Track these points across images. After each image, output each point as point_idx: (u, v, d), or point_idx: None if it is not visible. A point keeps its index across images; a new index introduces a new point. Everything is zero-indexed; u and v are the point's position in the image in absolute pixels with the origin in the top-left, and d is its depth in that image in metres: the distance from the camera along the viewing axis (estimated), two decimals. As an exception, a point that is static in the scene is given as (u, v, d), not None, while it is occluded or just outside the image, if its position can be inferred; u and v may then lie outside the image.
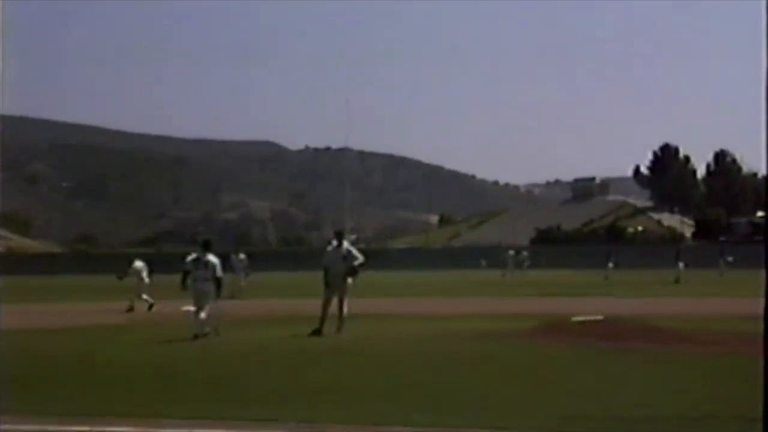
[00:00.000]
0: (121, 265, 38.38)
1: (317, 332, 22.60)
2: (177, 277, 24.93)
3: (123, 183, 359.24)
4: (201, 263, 24.00)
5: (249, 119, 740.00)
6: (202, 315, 23.39)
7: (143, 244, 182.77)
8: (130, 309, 34.48)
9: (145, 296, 35.44)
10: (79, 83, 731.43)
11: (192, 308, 25.62)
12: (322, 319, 23.16)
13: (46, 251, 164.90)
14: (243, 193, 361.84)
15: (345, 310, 23.58)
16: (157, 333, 24.77)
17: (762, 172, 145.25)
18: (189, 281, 24.42)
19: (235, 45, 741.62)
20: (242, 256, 47.80)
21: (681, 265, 62.96)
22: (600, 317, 25.61)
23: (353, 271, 23.97)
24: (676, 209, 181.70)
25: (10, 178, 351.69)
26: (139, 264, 37.04)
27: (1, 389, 14.68)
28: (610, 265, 69.18)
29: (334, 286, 23.78)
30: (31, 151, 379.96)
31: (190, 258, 24.91)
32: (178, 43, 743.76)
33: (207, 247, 24.61)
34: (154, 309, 34.26)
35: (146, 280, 36.35)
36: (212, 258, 24.12)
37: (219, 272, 24.05)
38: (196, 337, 22.53)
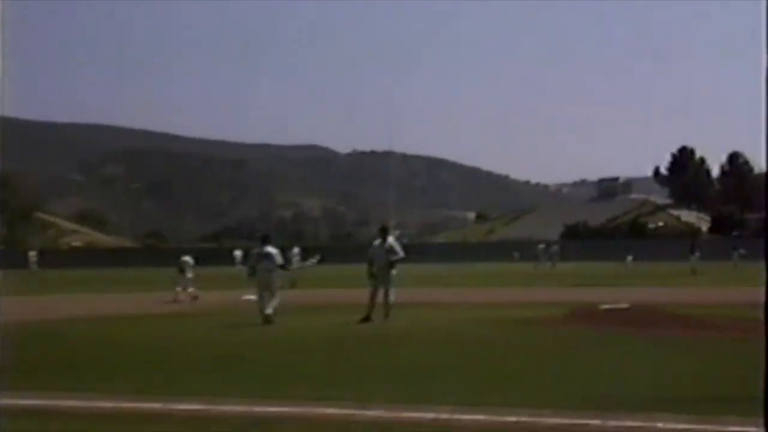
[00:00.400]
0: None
1: (366, 319, 22.62)
2: (236, 270, 25.05)
3: (188, 184, 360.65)
4: (263, 255, 24.18)
5: (301, 125, 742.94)
6: (267, 302, 23.54)
7: (206, 239, 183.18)
8: (195, 297, 34.43)
9: (190, 289, 35.21)
10: (149, 93, 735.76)
11: (253, 297, 25.75)
12: (371, 307, 23.16)
13: (119, 246, 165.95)
14: (296, 193, 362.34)
15: (391, 299, 23.58)
16: (220, 320, 24.85)
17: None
18: (249, 271, 24.65)
19: (287, 57, 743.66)
20: (296, 250, 47.90)
21: (695, 256, 62.61)
22: (626, 305, 25.47)
23: (393, 264, 23.97)
24: (693, 206, 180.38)
25: (88, 180, 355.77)
26: (186, 259, 36.98)
27: (81, 370, 14.82)
28: (629, 258, 68.87)
29: (378, 277, 23.81)
30: (107, 156, 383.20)
31: (253, 251, 25.17)
32: (236, 54, 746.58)
33: (266, 241, 24.84)
34: (196, 300, 34.00)
35: (189, 274, 36.24)
36: (272, 249, 24.38)
37: (280, 260, 24.43)
38: (266, 321, 22.73)
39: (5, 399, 11.77)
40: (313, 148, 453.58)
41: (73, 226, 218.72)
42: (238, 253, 69.25)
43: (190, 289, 35.13)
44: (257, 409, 10.71)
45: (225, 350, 17.45)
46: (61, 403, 11.44)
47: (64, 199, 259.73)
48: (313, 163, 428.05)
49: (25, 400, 11.66)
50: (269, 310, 23.16)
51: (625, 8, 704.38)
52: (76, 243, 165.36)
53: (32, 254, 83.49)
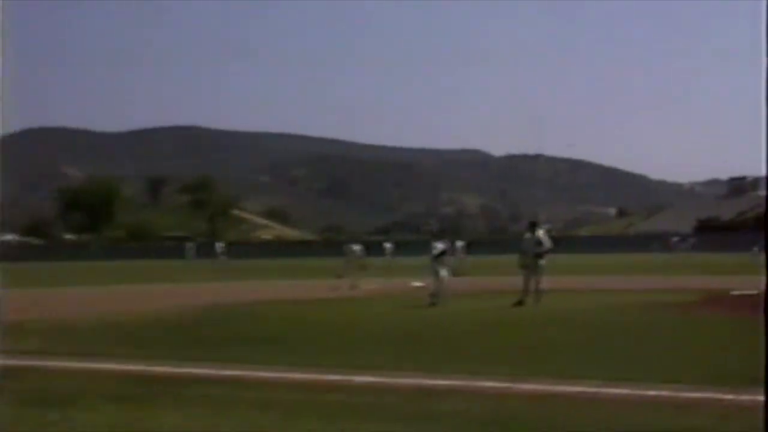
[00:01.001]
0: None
1: (520, 303, 22.56)
2: (406, 260, 25.27)
3: (362, 184, 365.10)
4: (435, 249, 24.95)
5: (460, 131, 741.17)
6: (437, 287, 23.86)
7: (378, 232, 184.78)
8: (355, 287, 33.93)
9: (352, 278, 34.07)
10: (330, 102, 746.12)
11: (420, 283, 26.02)
12: (524, 293, 23.11)
13: (303, 238, 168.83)
14: (457, 192, 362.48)
15: (542, 285, 23.48)
16: (393, 303, 25.09)
17: None
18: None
19: (452, 70, 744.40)
20: (459, 243, 47.92)
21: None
22: (755, 291, 24.71)
23: (540, 255, 23.89)
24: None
25: (276, 181, 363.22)
26: (355, 248, 36.94)
27: (269, 345, 15.18)
28: (755, 248, 66.68)
29: (529, 266, 23.74)
30: (293, 160, 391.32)
31: (438, 244, 25.62)
32: (408, 68, 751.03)
33: (438, 236, 25.56)
34: (357, 288, 32.18)
35: (360, 261, 36.15)
36: (439, 244, 25.13)
37: (437, 252, 24.72)
38: (432, 304, 22.89)
39: (209, 369, 12.19)
40: (472, 152, 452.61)
41: (263, 221, 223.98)
42: (357, 247, 69.52)
43: (358, 278, 34.21)
44: (426, 381, 10.81)
45: (398, 329, 17.62)
46: (254, 374, 11.75)
47: (255, 198, 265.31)
48: (472, 165, 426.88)
49: (225, 371, 12.03)
50: (438, 299, 23.39)
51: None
52: (266, 236, 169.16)
53: (219, 245, 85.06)
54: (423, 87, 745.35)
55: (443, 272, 24.34)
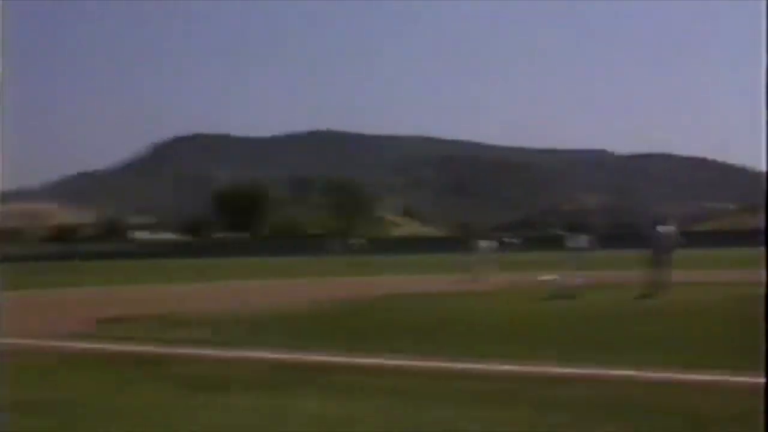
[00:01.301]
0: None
1: (647, 296, 22.16)
2: (531, 255, 24.98)
3: (488, 183, 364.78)
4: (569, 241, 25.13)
5: (582, 131, 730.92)
6: (568, 281, 23.78)
7: (502, 228, 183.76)
8: (477, 280, 33.69)
9: (481, 272, 34.09)
10: (456, 105, 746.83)
11: (548, 277, 25.73)
12: (651, 285, 22.91)
13: (435, 235, 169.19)
14: (578, 190, 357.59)
15: (667, 278, 23.15)
16: (522, 296, 24.84)
17: None
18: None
19: (580, 71, 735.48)
20: (585, 237, 47.08)
21: None
22: None
23: (667, 249, 23.60)
24: None
25: (408, 181, 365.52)
26: (484, 243, 36.75)
27: (409, 336, 15.12)
28: None
29: (657, 260, 23.51)
30: (422, 161, 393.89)
31: (571, 238, 25.72)
32: (532, 71, 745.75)
33: (574, 229, 25.52)
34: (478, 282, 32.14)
35: (487, 256, 35.97)
36: (573, 238, 25.37)
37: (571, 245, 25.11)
38: (565, 297, 22.69)
39: (350, 357, 12.22)
40: (593, 151, 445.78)
41: (398, 219, 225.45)
42: (486, 242, 69.04)
43: (487, 272, 34.06)
44: (556, 370, 10.58)
45: (527, 320, 17.43)
46: (392, 363, 11.70)
47: (389, 197, 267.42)
48: (592, 164, 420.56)
49: (366, 360, 12.08)
50: (570, 291, 23.19)
51: None
52: (401, 233, 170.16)
53: (353, 242, 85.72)
54: (547, 88, 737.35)
55: (575, 265, 24.18)
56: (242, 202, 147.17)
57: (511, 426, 7.68)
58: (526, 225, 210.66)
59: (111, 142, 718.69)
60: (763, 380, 9.13)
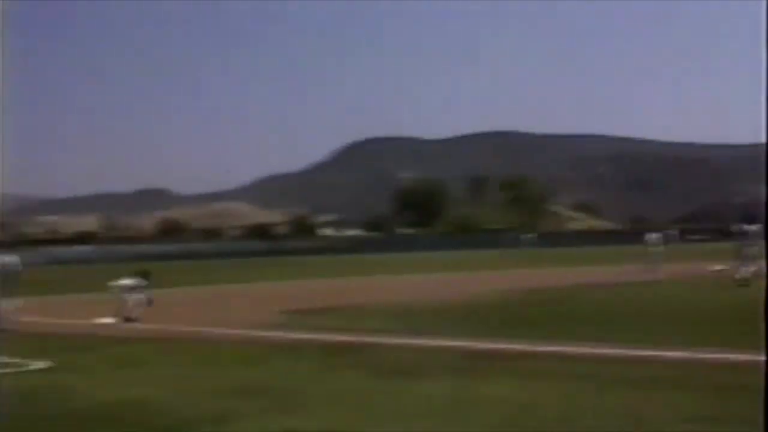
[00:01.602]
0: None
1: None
2: (703, 246, 24.39)
3: (662, 179, 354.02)
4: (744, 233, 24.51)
5: (748, 125, 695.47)
6: (744, 269, 23.25)
7: (678, 221, 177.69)
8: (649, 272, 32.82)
9: (653, 263, 32.63)
10: (627, 104, 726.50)
11: (721, 267, 25.08)
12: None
13: (610, 228, 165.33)
14: (752, 182, 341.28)
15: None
16: (695, 285, 24.41)
17: None
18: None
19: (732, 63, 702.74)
20: (754, 227, 45.07)
21: None
22: None
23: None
24: None
25: (582, 178, 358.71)
26: (653, 236, 35.75)
27: (587, 325, 15.14)
28: None
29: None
30: (598, 158, 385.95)
31: (746, 229, 25.07)
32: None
33: (747, 221, 24.85)
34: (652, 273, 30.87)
35: (659, 248, 34.98)
36: (747, 229, 24.69)
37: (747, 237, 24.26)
38: (739, 285, 22.19)
39: (532, 345, 12.42)
40: (762, 145, 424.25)
41: (573, 213, 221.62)
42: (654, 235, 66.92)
43: (658, 264, 32.69)
44: (730, 356, 10.49)
45: (700, 309, 17.18)
46: (572, 349, 11.85)
47: (564, 193, 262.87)
48: (763, 156, 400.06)
49: (547, 347, 12.20)
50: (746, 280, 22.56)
51: None
52: (577, 227, 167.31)
53: (526, 236, 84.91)
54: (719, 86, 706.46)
55: (751, 255, 23.52)
56: (423, 200, 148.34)
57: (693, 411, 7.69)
58: (700, 218, 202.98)
59: (311, 142, 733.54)
60: None
